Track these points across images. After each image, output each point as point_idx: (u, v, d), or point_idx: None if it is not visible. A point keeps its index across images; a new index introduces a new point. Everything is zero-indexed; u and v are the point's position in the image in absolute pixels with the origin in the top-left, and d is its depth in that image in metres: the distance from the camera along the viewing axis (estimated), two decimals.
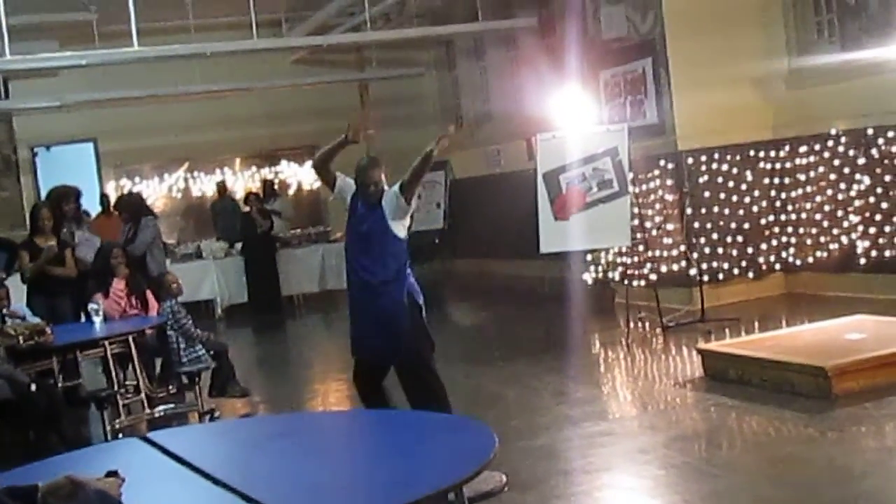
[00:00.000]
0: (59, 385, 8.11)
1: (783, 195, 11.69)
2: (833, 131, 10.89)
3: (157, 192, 18.55)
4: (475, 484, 4.68)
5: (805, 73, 11.43)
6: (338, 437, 4.65)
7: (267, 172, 19.00)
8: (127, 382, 9.01)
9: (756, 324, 10.11)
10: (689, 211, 11.49)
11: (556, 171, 10.69)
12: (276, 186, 17.94)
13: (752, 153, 11.73)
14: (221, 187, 17.84)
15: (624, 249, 11.88)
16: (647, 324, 10.73)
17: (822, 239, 11.23)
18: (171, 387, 8.87)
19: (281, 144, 18.99)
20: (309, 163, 19.05)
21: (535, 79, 15.60)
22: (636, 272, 11.75)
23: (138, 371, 8.59)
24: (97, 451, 5.30)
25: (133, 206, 11.13)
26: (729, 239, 11.66)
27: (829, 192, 11.06)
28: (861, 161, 10.61)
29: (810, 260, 11.43)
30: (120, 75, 15.94)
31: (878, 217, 10.50)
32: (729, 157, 11.65)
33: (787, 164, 11.58)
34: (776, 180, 11.72)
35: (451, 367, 9.42)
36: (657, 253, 11.70)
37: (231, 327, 14.76)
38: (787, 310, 10.88)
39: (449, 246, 17.12)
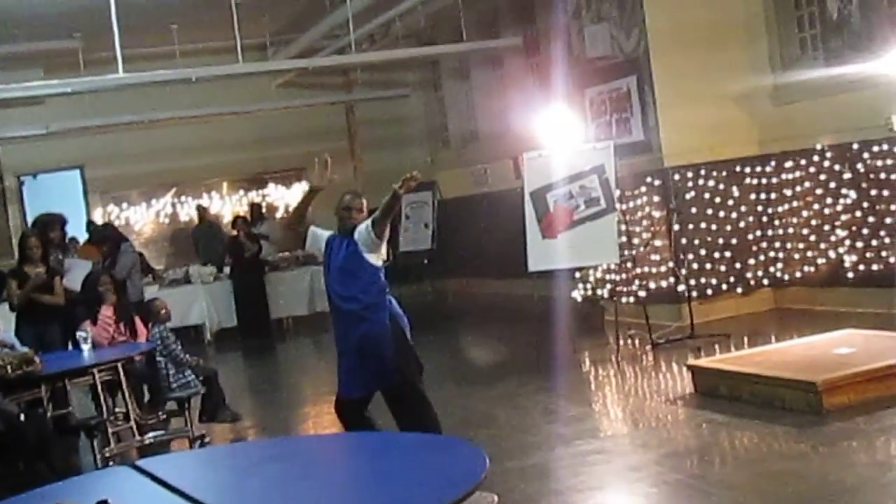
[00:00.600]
0: (49, 414, 8.06)
1: (770, 210, 11.73)
2: (818, 146, 10.94)
3: (144, 217, 18.52)
4: None
5: (790, 88, 11.48)
6: (329, 461, 4.63)
7: (255, 196, 18.99)
8: (116, 410, 8.96)
9: (745, 339, 10.12)
10: (676, 227, 11.51)
11: (543, 190, 10.70)
12: (263, 210, 17.90)
13: (738, 169, 11.77)
14: (201, 212, 17.77)
15: (612, 267, 11.90)
16: (636, 341, 10.73)
17: (810, 253, 11.26)
18: (160, 413, 8.83)
19: (268, 167, 19.00)
20: (297, 185, 19.12)
21: (521, 98, 15.67)
22: (625, 289, 11.77)
23: (128, 398, 8.54)
24: (87, 479, 5.26)
25: (109, 237, 11.14)
26: (717, 255, 11.69)
27: (816, 206, 11.10)
28: (847, 176, 10.65)
29: (798, 274, 11.46)
30: (106, 102, 15.97)
31: (864, 231, 10.53)
32: (715, 174, 11.69)
33: (774, 180, 11.62)
34: (763, 196, 11.76)
35: (441, 387, 9.42)
36: (645, 270, 11.71)
37: (220, 352, 14.70)
38: (775, 325, 10.90)
39: (437, 266, 17.11)
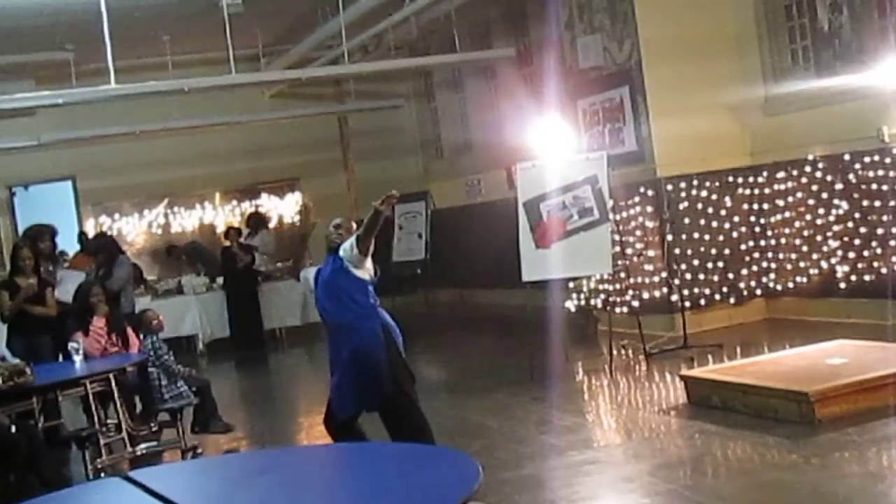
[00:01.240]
0: (40, 425, 8.04)
1: (762, 221, 11.75)
2: (810, 157, 10.96)
3: (136, 228, 18.48)
4: None
5: (781, 99, 11.51)
6: (322, 472, 4.62)
7: (248, 206, 18.96)
8: (108, 421, 8.93)
9: (738, 349, 10.14)
10: (669, 237, 11.53)
11: (536, 200, 10.70)
12: (262, 219, 17.75)
13: (730, 179, 11.79)
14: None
15: (605, 277, 11.91)
16: (630, 351, 10.73)
17: (802, 264, 11.28)
18: (152, 424, 8.81)
19: (261, 178, 18.97)
20: (290, 195, 19.13)
21: (513, 108, 15.68)
22: (618, 299, 11.77)
23: (120, 409, 8.52)
24: (79, 491, 5.24)
25: (106, 247, 11.09)
26: (710, 265, 11.70)
27: (808, 217, 11.12)
28: (839, 186, 10.67)
29: (790, 285, 11.48)
30: (97, 113, 15.94)
31: (857, 241, 10.55)
32: (708, 184, 11.71)
33: (766, 190, 11.64)
34: (755, 206, 11.79)
35: (434, 397, 9.42)
36: (639, 280, 11.72)
37: (213, 362, 14.68)
38: (768, 335, 10.91)
39: (431, 276, 17.10)
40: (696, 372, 8.81)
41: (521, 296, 11.68)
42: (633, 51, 11.72)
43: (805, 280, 11.28)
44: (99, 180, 17.73)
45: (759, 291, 11.84)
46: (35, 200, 17.52)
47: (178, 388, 8.72)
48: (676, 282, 11.37)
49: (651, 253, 11.68)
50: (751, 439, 7.07)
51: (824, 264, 10.98)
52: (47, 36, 14.44)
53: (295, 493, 4.10)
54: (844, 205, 10.64)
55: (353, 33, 14.43)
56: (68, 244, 14.09)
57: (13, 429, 7.38)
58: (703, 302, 11.64)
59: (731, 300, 11.77)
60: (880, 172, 10.16)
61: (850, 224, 10.60)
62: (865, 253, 10.47)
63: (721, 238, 11.75)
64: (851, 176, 10.50)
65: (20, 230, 15.63)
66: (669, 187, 11.59)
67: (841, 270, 10.75)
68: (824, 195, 10.88)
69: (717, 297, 11.72)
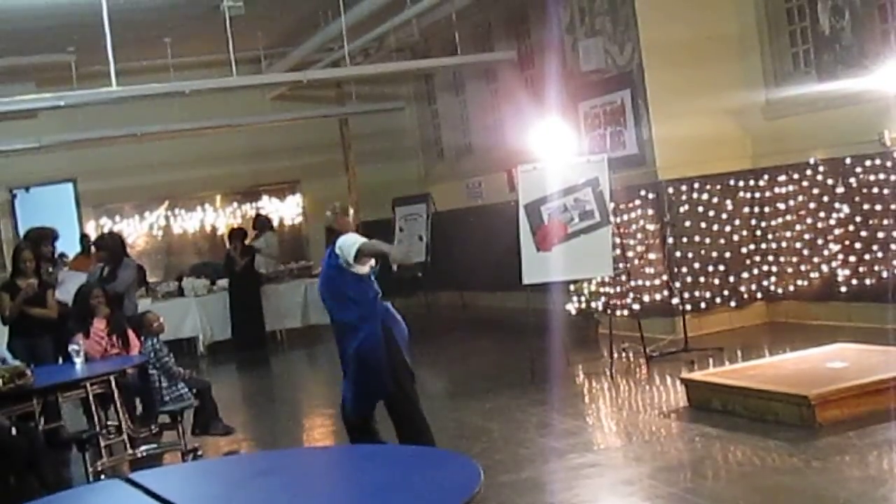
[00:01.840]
0: (40, 427, 8.04)
1: (763, 224, 11.75)
2: (811, 161, 10.96)
3: (137, 230, 18.49)
4: None
5: (782, 103, 11.51)
6: (322, 474, 4.62)
7: (249, 209, 18.98)
8: (108, 423, 8.93)
9: (739, 353, 10.13)
10: (670, 240, 11.53)
11: (537, 203, 10.71)
12: (267, 221, 17.70)
13: (731, 183, 11.79)
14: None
15: (606, 280, 11.91)
16: (630, 354, 10.73)
17: (803, 267, 11.27)
18: (153, 426, 8.81)
19: (262, 180, 18.99)
20: (291, 197, 19.12)
21: (514, 111, 15.69)
22: (619, 302, 11.77)
23: (120, 411, 8.52)
24: (79, 493, 5.25)
25: (115, 247, 11.06)
26: (710, 268, 11.70)
27: (809, 220, 11.12)
28: (840, 190, 10.67)
29: (791, 288, 11.48)
30: (99, 115, 15.95)
31: (857, 245, 10.54)
32: (709, 187, 11.71)
33: (767, 194, 11.64)
34: (756, 209, 11.78)
35: (435, 400, 9.43)
36: (639, 283, 11.72)
37: (214, 364, 14.69)
38: (769, 338, 10.90)
39: (431, 278, 17.10)
40: (697, 375, 8.81)
41: (522, 298, 11.67)
42: (634, 54, 11.73)
43: (806, 283, 11.27)
44: (100, 182, 17.75)
45: (759, 295, 11.84)
46: (36, 202, 17.54)
47: (179, 389, 8.72)
48: (677, 285, 11.37)
49: (652, 256, 11.68)
50: (751, 443, 7.06)
51: (825, 268, 10.97)
52: (49, 38, 14.46)
53: (295, 495, 4.10)
54: (845, 208, 10.64)
55: (355, 36, 14.45)
56: (69, 247, 14.10)
57: (14, 431, 7.37)
58: (703, 305, 11.64)
59: (732, 303, 11.77)
60: (881, 176, 10.16)
61: (851, 228, 10.60)
62: (866, 257, 10.46)
63: (722, 241, 11.75)
64: (852, 180, 10.50)
65: (21, 232, 15.64)
66: (670, 190, 11.59)
67: (842, 274, 10.75)
68: (825, 199, 10.88)
69: (718, 300, 11.72)
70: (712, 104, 11.65)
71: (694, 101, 11.54)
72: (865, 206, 10.38)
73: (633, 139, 11.84)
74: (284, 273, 16.74)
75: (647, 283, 11.71)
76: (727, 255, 11.75)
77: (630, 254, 11.62)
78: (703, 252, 11.69)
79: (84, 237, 15.73)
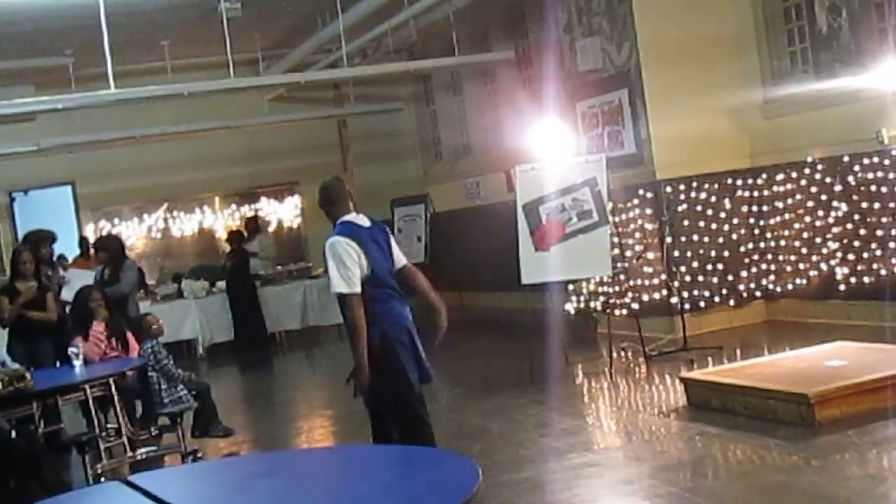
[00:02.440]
0: (40, 430, 8.04)
1: (762, 223, 11.75)
2: (809, 159, 10.96)
3: (136, 233, 18.49)
4: None
5: (780, 102, 11.51)
6: (322, 475, 4.62)
7: (247, 210, 18.99)
8: (108, 425, 8.94)
9: (738, 352, 10.14)
10: (668, 240, 11.53)
11: (535, 203, 10.71)
12: (258, 224, 17.72)
13: (729, 181, 11.79)
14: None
15: (605, 279, 11.91)
16: (629, 353, 10.74)
17: (802, 266, 11.28)
18: (152, 429, 8.81)
19: (261, 182, 18.99)
20: (290, 199, 19.12)
21: (512, 111, 15.70)
22: (618, 302, 11.78)
23: (119, 414, 8.52)
24: (79, 496, 5.25)
25: (115, 249, 11.06)
26: (709, 267, 11.70)
27: (808, 219, 11.12)
28: (838, 188, 10.68)
29: (790, 287, 11.48)
30: (97, 118, 15.95)
31: (856, 244, 10.55)
32: (707, 186, 11.71)
33: (765, 192, 11.65)
34: (754, 208, 11.79)
35: (433, 400, 9.40)
36: (638, 282, 11.73)
37: (213, 366, 14.69)
38: (768, 337, 10.91)
39: (430, 279, 17.03)
40: (696, 374, 8.81)
41: (521, 298, 11.69)
42: (631, 53, 11.73)
43: (804, 282, 11.28)
44: (98, 185, 17.74)
45: (758, 293, 11.84)
46: (35, 205, 17.53)
47: (178, 392, 8.71)
48: (676, 284, 11.38)
49: (650, 255, 11.69)
50: (751, 441, 7.07)
51: (824, 266, 10.98)
52: (47, 41, 14.46)
53: (295, 497, 4.10)
54: (843, 207, 10.64)
55: (352, 37, 14.45)
56: (68, 249, 14.09)
57: (13, 434, 7.37)
58: (702, 304, 11.64)
59: (731, 302, 11.77)
60: (879, 174, 10.16)
61: (850, 226, 10.60)
62: (865, 255, 10.47)
63: (720, 240, 11.75)
64: (850, 178, 10.50)
65: (20, 235, 15.64)
66: (668, 189, 11.60)
67: (840, 272, 10.75)
68: (823, 197, 10.89)
69: (717, 299, 11.72)
70: (710, 103, 11.65)
71: (692, 101, 11.55)
72: (864, 205, 10.39)
73: (631, 139, 11.85)
74: (283, 274, 16.74)
75: (646, 283, 11.71)
76: (726, 254, 11.76)
77: (628, 253, 11.63)
78: (701, 251, 11.70)
79: (83, 240, 15.71)
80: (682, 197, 11.64)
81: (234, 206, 19.10)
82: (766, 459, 6.71)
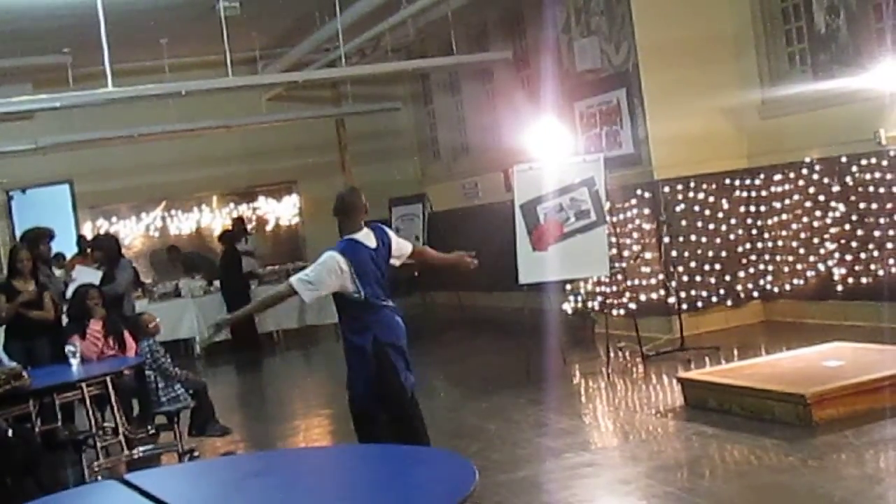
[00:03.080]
0: (37, 429, 8.03)
1: (759, 223, 11.75)
2: (807, 160, 10.97)
3: (134, 231, 18.48)
4: None
5: (778, 102, 11.51)
6: (319, 474, 4.62)
7: (245, 209, 18.99)
8: (105, 424, 8.93)
9: (735, 352, 10.13)
10: (666, 240, 11.53)
11: (533, 202, 10.71)
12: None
13: (727, 182, 11.79)
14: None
15: (602, 279, 11.91)
16: (627, 353, 10.74)
17: (799, 266, 11.28)
18: (149, 427, 8.81)
19: (258, 181, 18.99)
20: (288, 198, 19.12)
21: (511, 111, 15.70)
22: (615, 302, 11.78)
23: (117, 412, 8.52)
24: (75, 494, 5.24)
25: (110, 248, 11.06)
26: (707, 267, 11.70)
27: (805, 219, 11.13)
28: (836, 189, 10.68)
29: (788, 287, 11.48)
30: (95, 117, 15.95)
31: (854, 244, 10.55)
32: (705, 186, 11.71)
33: (763, 193, 11.65)
34: (752, 208, 11.79)
35: (431, 400, 9.42)
36: (636, 282, 11.72)
37: (210, 365, 14.68)
38: (765, 337, 10.91)
39: (428, 278, 17.09)
40: (693, 374, 8.81)
41: (519, 298, 11.69)
42: (629, 53, 11.73)
43: (802, 282, 11.28)
44: (96, 184, 17.74)
45: (756, 294, 11.84)
46: (33, 204, 17.52)
47: (175, 391, 8.71)
48: (673, 284, 11.38)
49: (648, 255, 11.68)
50: (748, 442, 7.07)
51: (821, 267, 10.98)
52: (45, 39, 14.45)
53: (291, 496, 4.10)
54: (841, 207, 10.65)
55: (351, 36, 14.45)
56: (66, 248, 14.09)
57: (10, 432, 7.36)
58: (700, 304, 11.65)
59: (728, 302, 11.78)
60: (877, 175, 10.17)
61: (847, 227, 10.61)
62: (862, 255, 10.47)
63: (718, 240, 11.76)
64: (848, 179, 10.51)
65: (18, 234, 15.63)
66: (666, 189, 11.60)
67: (838, 273, 10.75)
68: (821, 198, 10.89)
69: (714, 299, 11.72)
70: (708, 103, 11.65)
71: (690, 101, 11.55)
72: (861, 205, 10.39)
73: (629, 139, 11.84)
74: (280, 273, 16.72)
75: (644, 283, 11.71)
76: (723, 254, 11.76)
77: (626, 253, 11.63)
78: (699, 251, 11.70)
79: (81, 238, 15.71)
80: (680, 197, 11.64)
81: (232, 206, 19.10)
82: (763, 459, 6.72)
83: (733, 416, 7.67)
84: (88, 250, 12.22)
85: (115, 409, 8.51)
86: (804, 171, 11.04)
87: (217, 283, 15.90)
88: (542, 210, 10.65)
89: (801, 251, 11.23)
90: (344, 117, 19.19)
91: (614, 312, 11.61)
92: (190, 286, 15.82)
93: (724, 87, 11.79)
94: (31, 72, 15.67)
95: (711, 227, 11.73)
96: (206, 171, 18.32)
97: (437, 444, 6.80)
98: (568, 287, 12.60)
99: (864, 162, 10.29)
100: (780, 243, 11.54)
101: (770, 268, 11.72)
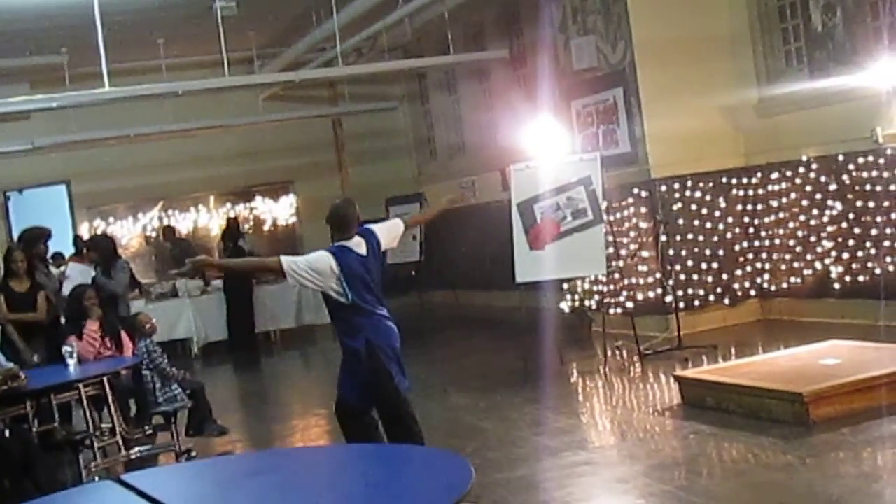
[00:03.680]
0: (34, 429, 8.02)
1: (756, 222, 11.76)
2: (804, 158, 10.97)
3: (131, 232, 18.47)
4: None
5: (775, 100, 11.52)
6: (316, 473, 4.62)
7: (242, 209, 18.98)
8: (102, 424, 8.92)
9: (732, 350, 10.14)
10: (663, 238, 11.52)
11: (530, 201, 10.71)
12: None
13: (724, 180, 11.80)
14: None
15: (600, 278, 11.91)
16: (624, 352, 10.74)
17: (796, 265, 11.29)
18: (147, 428, 8.80)
19: (255, 181, 18.99)
20: (285, 197, 19.12)
21: (507, 110, 15.69)
22: (612, 300, 11.78)
23: (114, 412, 8.51)
24: (72, 494, 5.24)
25: (106, 248, 11.06)
26: (704, 266, 11.71)
27: (802, 218, 11.13)
28: (832, 187, 10.68)
29: (785, 286, 11.49)
30: (92, 117, 15.93)
31: (850, 242, 10.56)
32: (702, 185, 11.72)
33: (760, 191, 11.65)
34: (749, 207, 11.80)
35: (428, 399, 9.43)
36: (633, 281, 11.73)
37: (208, 365, 14.67)
38: (762, 336, 10.91)
39: (425, 277, 17.10)
40: (691, 373, 8.81)
41: (515, 297, 11.69)
42: (626, 52, 11.73)
43: (799, 281, 11.28)
44: (93, 184, 17.72)
45: (753, 292, 11.85)
46: (29, 204, 17.50)
47: (172, 391, 8.71)
48: (670, 283, 11.38)
49: (645, 254, 11.69)
50: (745, 440, 7.07)
51: (818, 265, 10.99)
52: (41, 40, 14.44)
53: (289, 495, 4.10)
54: (838, 206, 10.65)
55: (347, 35, 14.44)
56: (63, 248, 14.07)
57: (7, 433, 7.35)
58: (697, 303, 11.65)
59: (726, 301, 11.78)
60: (874, 173, 10.17)
61: (844, 225, 10.61)
62: (859, 254, 10.48)
63: (715, 239, 11.76)
64: (845, 177, 10.51)
65: (15, 235, 15.63)
66: (663, 188, 11.60)
67: (835, 271, 10.76)
68: (818, 196, 10.89)
69: (712, 297, 11.73)
70: (705, 102, 11.65)
71: (686, 99, 11.55)
72: (858, 203, 10.40)
73: (626, 137, 11.85)
74: (277, 273, 16.68)
75: (641, 281, 11.71)
76: (720, 252, 11.76)
77: (623, 252, 11.63)
78: (696, 250, 11.70)
79: (77, 238, 15.68)
80: (677, 196, 11.64)
81: (229, 205, 19.08)
82: (760, 458, 6.72)
83: (730, 414, 7.67)
84: (85, 251, 12.19)
85: (113, 409, 8.51)
86: (801, 170, 11.05)
87: (215, 283, 15.87)
88: (538, 209, 10.65)
89: (798, 249, 11.23)
90: (341, 117, 19.19)
91: (611, 311, 11.62)
92: (187, 286, 15.80)
93: (720, 86, 11.79)
94: (27, 72, 15.67)
95: (708, 225, 11.74)
96: (203, 171, 18.30)
97: (434, 443, 6.80)
98: (565, 286, 12.59)
99: (860, 160, 10.30)
100: (777, 242, 11.55)
101: (767, 266, 11.72)
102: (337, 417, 6.86)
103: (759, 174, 11.64)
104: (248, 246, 16.46)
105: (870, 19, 10.41)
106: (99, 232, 17.26)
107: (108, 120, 16.22)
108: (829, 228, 10.80)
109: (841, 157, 10.52)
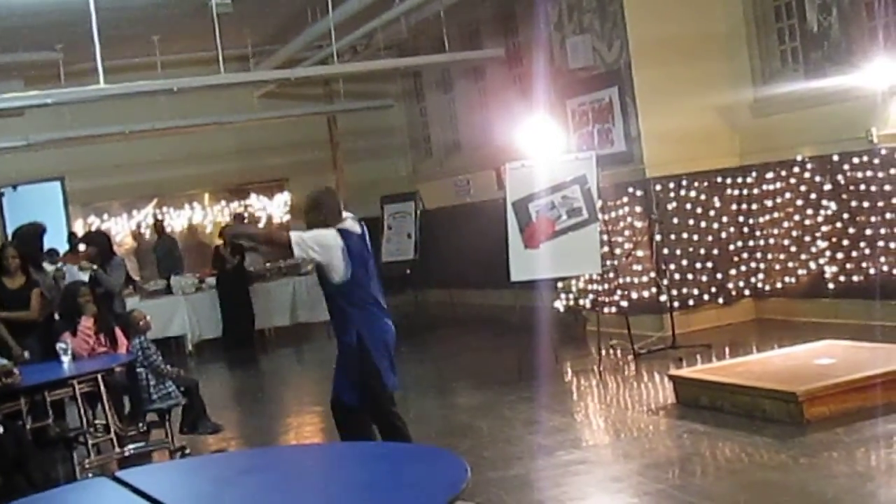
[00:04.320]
0: (28, 426, 8.01)
1: (751, 221, 11.77)
2: (799, 158, 10.98)
3: (125, 228, 18.43)
4: None
5: (770, 100, 11.53)
6: (310, 471, 4.61)
7: (237, 206, 18.95)
8: (96, 421, 8.91)
9: (727, 350, 10.15)
10: (658, 238, 11.54)
11: (525, 200, 10.71)
12: (245, 219, 17.75)
13: (719, 180, 11.81)
14: (159, 227, 17.67)
15: (594, 277, 11.92)
16: (618, 351, 10.74)
17: (791, 264, 11.30)
18: (141, 425, 8.79)
19: (250, 178, 18.96)
20: (279, 195, 19.10)
21: (503, 109, 15.70)
22: (607, 299, 11.78)
23: (108, 410, 8.50)
24: (66, 491, 5.22)
25: (102, 245, 11.02)
26: (698, 265, 11.72)
27: (797, 217, 11.14)
28: (827, 187, 10.70)
29: (779, 285, 11.50)
30: (87, 113, 15.90)
31: (845, 242, 10.57)
32: (696, 184, 11.72)
33: (755, 191, 11.66)
34: (744, 206, 11.81)
35: (423, 397, 9.43)
36: (627, 280, 11.74)
37: (202, 363, 14.66)
38: (757, 335, 10.92)
39: (420, 276, 17.10)
40: (685, 372, 8.82)
41: (510, 296, 11.70)
42: (622, 51, 11.74)
43: (793, 280, 11.30)
44: (88, 180, 17.69)
45: (747, 292, 11.86)
46: (24, 201, 17.47)
47: (167, 388, 8.70)
48: (665, 282, 11.38)
49: (640, 253, 11.69)
50: (739, 439, 7.08)
51: (813, 265, 11.00)
52: (36, 36, 14.40)
53: (283, 493, 4.09)
54: (833, 205, 10.66)
55: (343, 33, 14.43)
56: (57, 245, 14.05)
57: (1, 430, 7.34)
58: (691, 302, 11.66)
59: (720, 300, 11.79)
60: (869, 173, 10.19)
61: (839, 225, 10.63)
62: (854, 253, 10.49)
63: (710, 238, 11.77)
64: (840, 177, 10.52)
65: (9, 231, 15.58)
66: (658, 187, 11.61)
67: (829, 271, 10.77)
68: (813, 196, 10.91)
69: (706, 297, 11.74)
70: (700, 101, 11.66)
71: (682, 99, 11.56)
72: (853, 203, 10.41)
73: (621, 136, 11.85)
74: (273, 271, 16.71)
75: (635, 281, 11.72)
76: (715, 252, 11.77)
77: (618, 251, 11.63)
78: (690, 249, 11.71)
79: (72, 235, 15.66)
80: (672, 195, 11.65)
81: (223, 203, 19.04)
82: (754, 457, 6.72)
83: (725, 413, 7.68)
84: (80, 247, 12.17)
85: (107, 406, 8.49)
86: (796, 170, 11.06)
87: (209, 280, 15.87)
88: (533, 208, 10.65)
89: (793, 249, 11.25)
90: (336, 115, 19.17)
91: (606, 310, 11.62)
92: (181, 284, 15.79)
93: (716, 86, 11.80)
94: (22, 68, 15.63)
95: (703, 224, 11.75)
96: (198, 168, 18.27)
97: (429, 441, 6.81)
98: (560, 285, 12.61)
99: (855, 160, 10.31)
100: (771, 241, 11.56)
101: (762, 266, 11.74)
102: (332, 414, 6.86)
103: (754, 174, 11.65)
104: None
105: (865, 19, 10.42)
106: (93, 228, 17.22)
107: (102, 117, 16.19)
108: (824, 228, 10.81)
109: (836, 157, 10.53)
